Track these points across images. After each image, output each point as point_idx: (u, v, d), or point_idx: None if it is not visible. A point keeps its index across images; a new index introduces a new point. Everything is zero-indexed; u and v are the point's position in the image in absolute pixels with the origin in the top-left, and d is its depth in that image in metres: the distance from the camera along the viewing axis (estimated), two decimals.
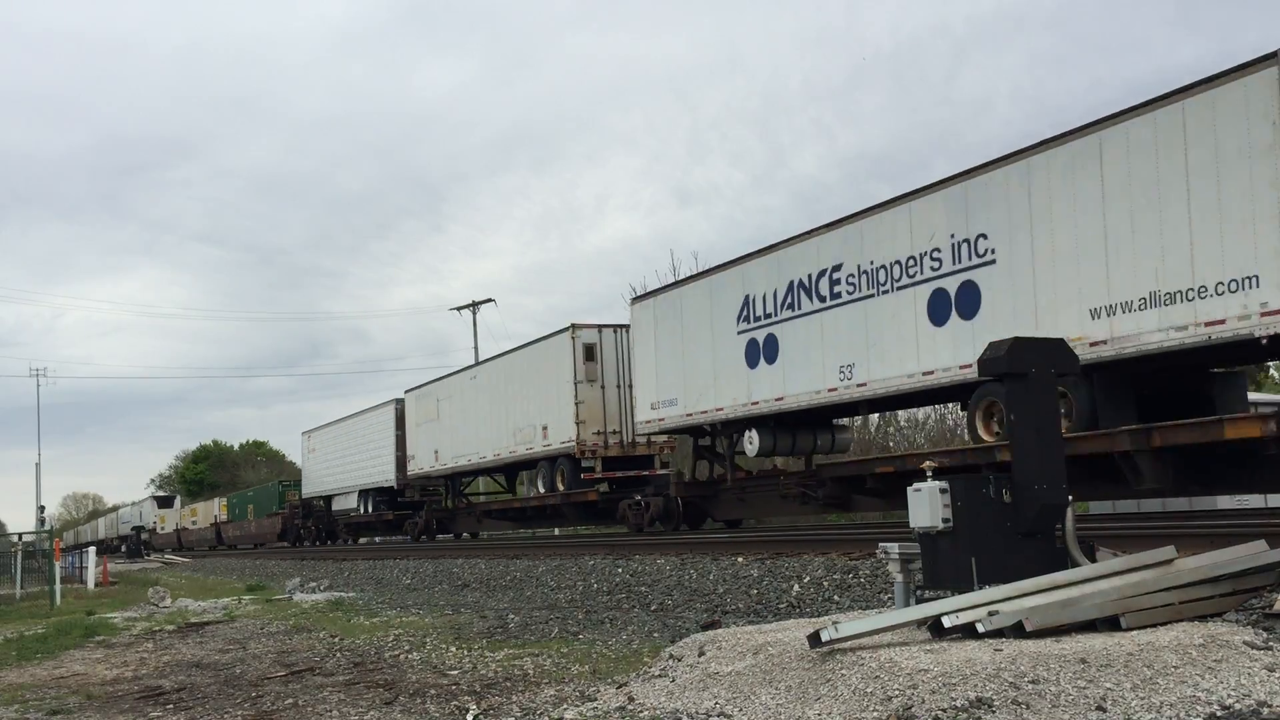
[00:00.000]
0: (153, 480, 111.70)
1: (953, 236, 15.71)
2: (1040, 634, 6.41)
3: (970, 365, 14.79)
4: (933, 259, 16.06)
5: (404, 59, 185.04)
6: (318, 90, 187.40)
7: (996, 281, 15.08)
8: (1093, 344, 13.57)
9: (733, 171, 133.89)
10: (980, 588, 7.22)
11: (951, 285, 15.76)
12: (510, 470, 31.63)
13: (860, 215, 17.44)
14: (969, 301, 15.50)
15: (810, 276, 18.33)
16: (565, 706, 7.09)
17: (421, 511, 35.60)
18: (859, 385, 17.44)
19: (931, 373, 16.17)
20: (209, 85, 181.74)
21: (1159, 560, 7.15)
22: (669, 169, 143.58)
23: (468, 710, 7.26)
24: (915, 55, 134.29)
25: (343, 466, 40.63)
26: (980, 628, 6.53)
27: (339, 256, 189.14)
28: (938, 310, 15.98)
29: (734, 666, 7.02)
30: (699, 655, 7.62)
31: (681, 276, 21.03)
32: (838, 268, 17.77)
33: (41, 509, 71.67)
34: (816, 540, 15.19)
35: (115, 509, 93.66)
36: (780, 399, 19.10)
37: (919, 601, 7.86)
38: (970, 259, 15.44)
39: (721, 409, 20.56)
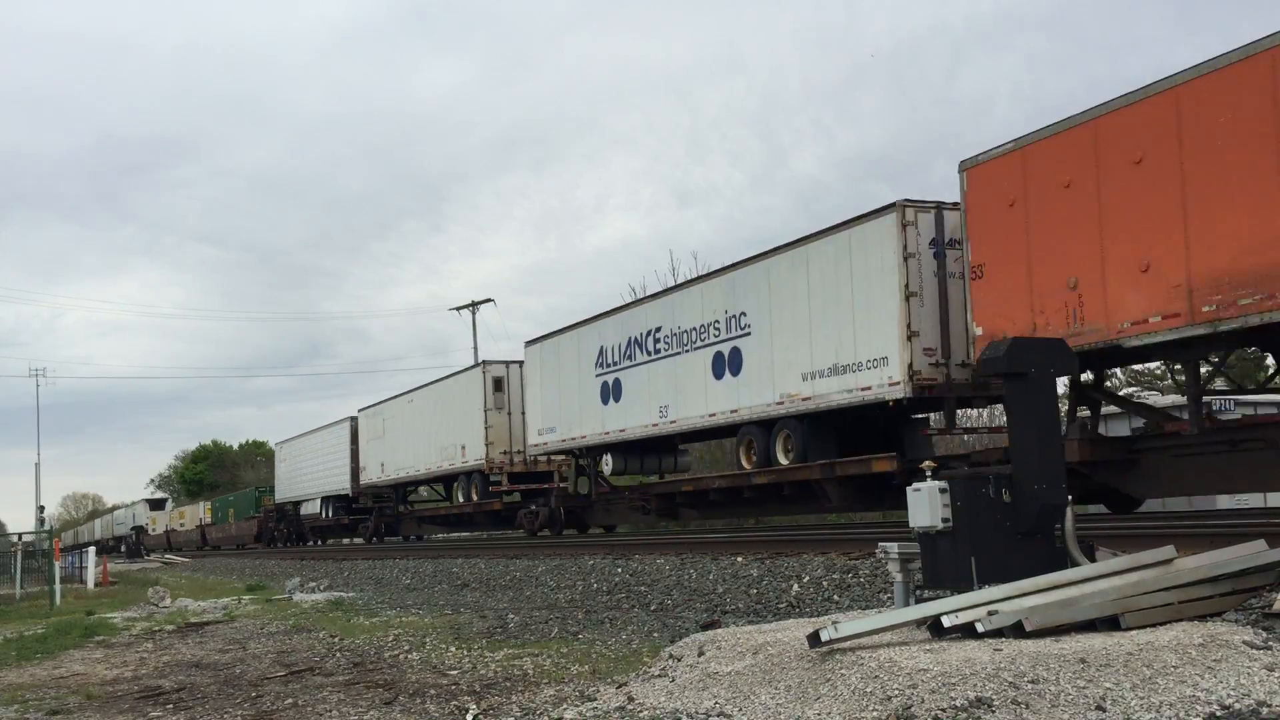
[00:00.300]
0: (152, 480, 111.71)
1: (726, 312, 20.92)
2: (1040, 634, 6.41)
3: (738, 410, 20.58)
4: (714, 328, 21.28)
5: (404, 59, 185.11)
6: (318, 90, 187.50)
7: (752, 348, 20.18)
8: (804, 398, 18.94)
9: (732, 172, 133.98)
10: (980, 587, 7.22)
11: (725, 349, 20.96)
12: (445, 481, 35.87)
13: (674, 290, 23.44)
14: (736, 362, 20.67)
15: (642, 334, 23.66)
16: (565, 706, 7.08)
17: (372, 516, 40.78)
18: (671, 422, 22.68)
19: (715, 415, 21.23)
20: (209, 85, 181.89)
21: (1158, 560, 7.15)
22: (669, 169, 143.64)
23: (467, 710, 7.26)
24: (915, 55, 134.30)
25: (309, 475, 45.82)
26: (980, 627, 6.53)
27: (339, 257, 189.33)
28: (718, 367, 21.19)
29: (734, 666, 7.02)
30: (699, 655, 7.62)
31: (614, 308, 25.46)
32: (659, 329, 23.07)
33: (41, 509, 72.86)
34: (816, 540, 15.20)
35: (113, 509, 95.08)
36: (624, 430, 24.33)
37: (918, 601, 7.85)
38: (737, 330, 20.68)
39: (585, 436, 25.85)
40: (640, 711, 6.63)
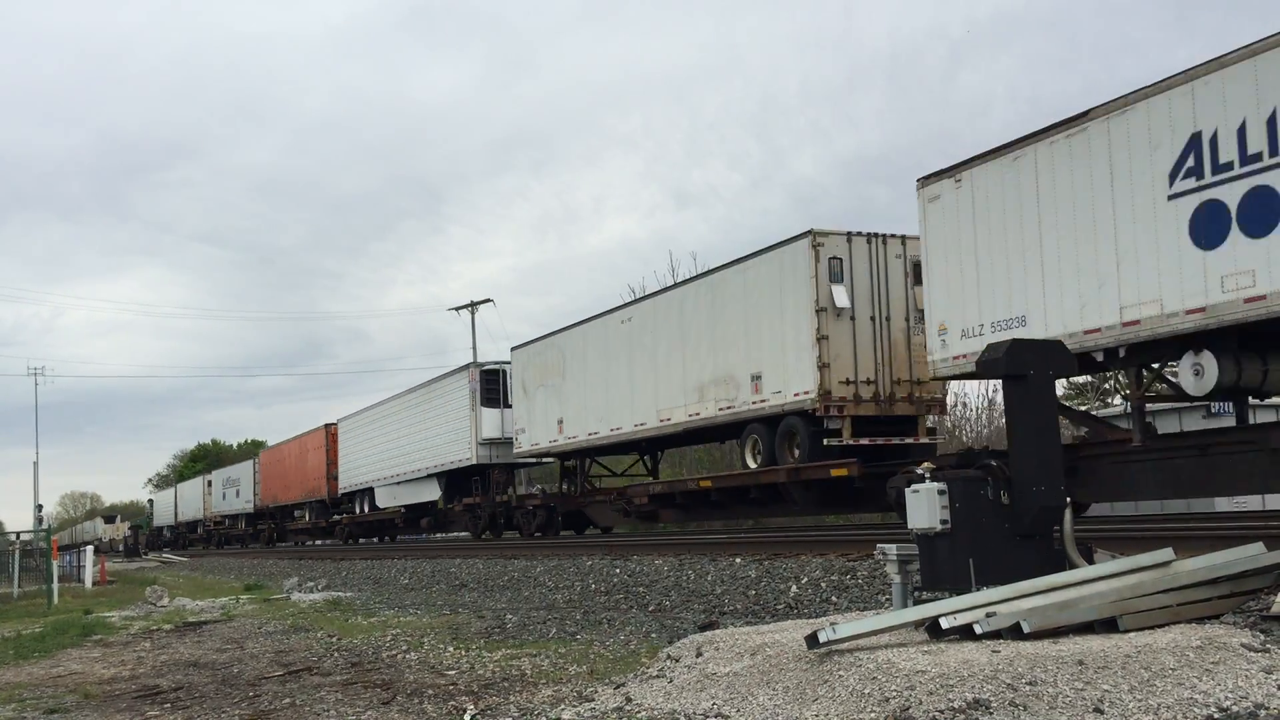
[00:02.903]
0: (150, 480, 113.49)
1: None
2: (1038, 635, 6.41)
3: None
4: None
5: (404, 61, 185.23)
6: (318, 91, 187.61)
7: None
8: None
9: (730, 173, 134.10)
10: (978, 589, 7.21)
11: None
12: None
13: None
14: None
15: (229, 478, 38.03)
16: (562, 707, 7.08)
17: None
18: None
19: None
20: (209, 86, 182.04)
21: (1157, 562, 7.15)
22: (667, 171, 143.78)
23: (465, 710, 7.26)
24: (913, 58, 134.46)
25: (163, 512, 77.23)
26: (978, 629, 6.52)
27: (338, 257, 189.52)
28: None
29: (731, 667, 7.02)
30: (696, 656, 7.62)
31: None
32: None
33: (39, 508, 75.13)
34: (814, 541, 15.20)
35: (111, 508, 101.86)
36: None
37: (917, 603, 7.85)
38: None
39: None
40: (638, 712, 6.63)
